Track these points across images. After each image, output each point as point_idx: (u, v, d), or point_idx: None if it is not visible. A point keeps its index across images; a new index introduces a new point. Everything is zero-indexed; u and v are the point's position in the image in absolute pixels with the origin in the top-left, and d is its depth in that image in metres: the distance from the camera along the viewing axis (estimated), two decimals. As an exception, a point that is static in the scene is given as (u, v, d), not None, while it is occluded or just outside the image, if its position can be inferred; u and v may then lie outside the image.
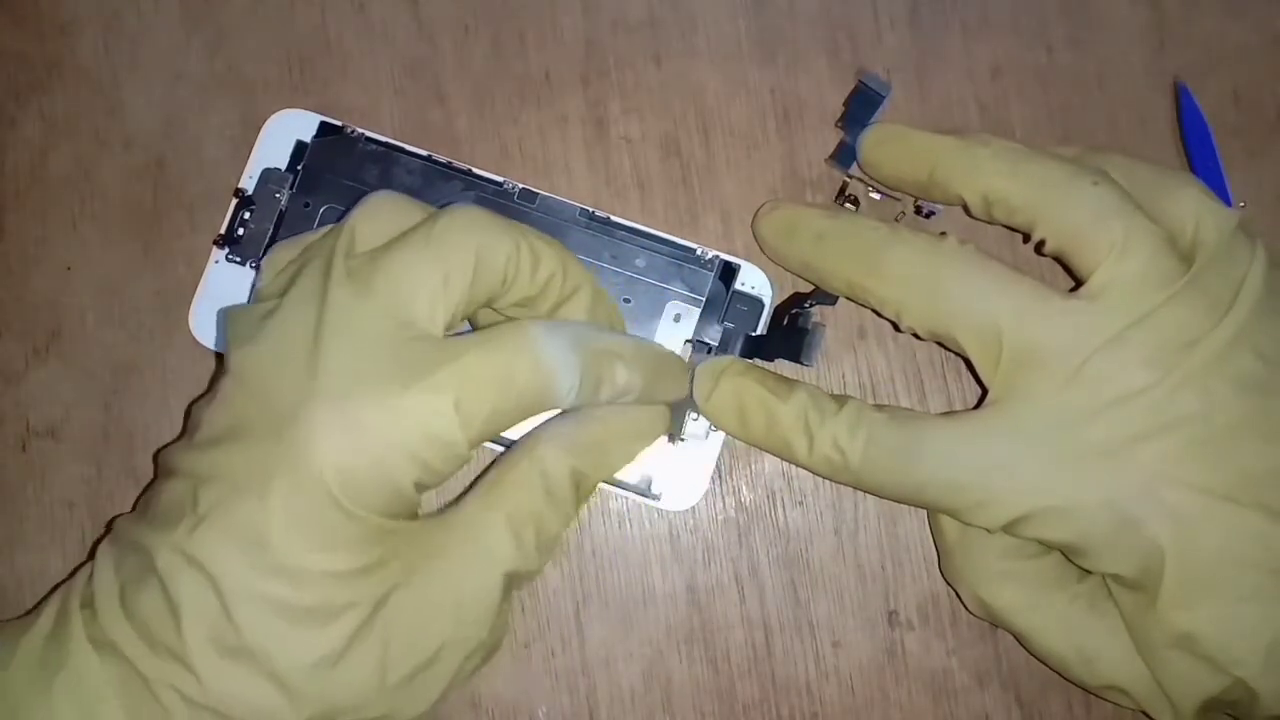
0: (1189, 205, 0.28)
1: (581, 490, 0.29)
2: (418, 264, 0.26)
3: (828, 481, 0.33)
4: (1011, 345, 0.28)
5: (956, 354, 0.30)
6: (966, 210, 0.30)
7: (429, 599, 0.26)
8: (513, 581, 0.28)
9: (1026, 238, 0.30)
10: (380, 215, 0.28)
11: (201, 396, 0.28)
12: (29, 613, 0.27)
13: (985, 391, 0.29)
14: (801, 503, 0.33)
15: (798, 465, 0.30)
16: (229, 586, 0.24)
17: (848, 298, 0.31)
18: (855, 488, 0.30)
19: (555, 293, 0.28)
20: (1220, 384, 0.27)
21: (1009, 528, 0.28)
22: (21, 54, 0.35)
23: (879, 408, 0.29)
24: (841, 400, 0.29)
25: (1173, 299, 0.27)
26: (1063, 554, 0.29)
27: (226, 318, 0.28)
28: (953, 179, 0.30)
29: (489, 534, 0.27)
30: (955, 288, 0.28)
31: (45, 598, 0.27)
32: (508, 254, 0.27)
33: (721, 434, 0.32)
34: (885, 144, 0.31)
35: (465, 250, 0.27)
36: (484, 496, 0.28)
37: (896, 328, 0.30)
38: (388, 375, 0.25)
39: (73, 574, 0.27)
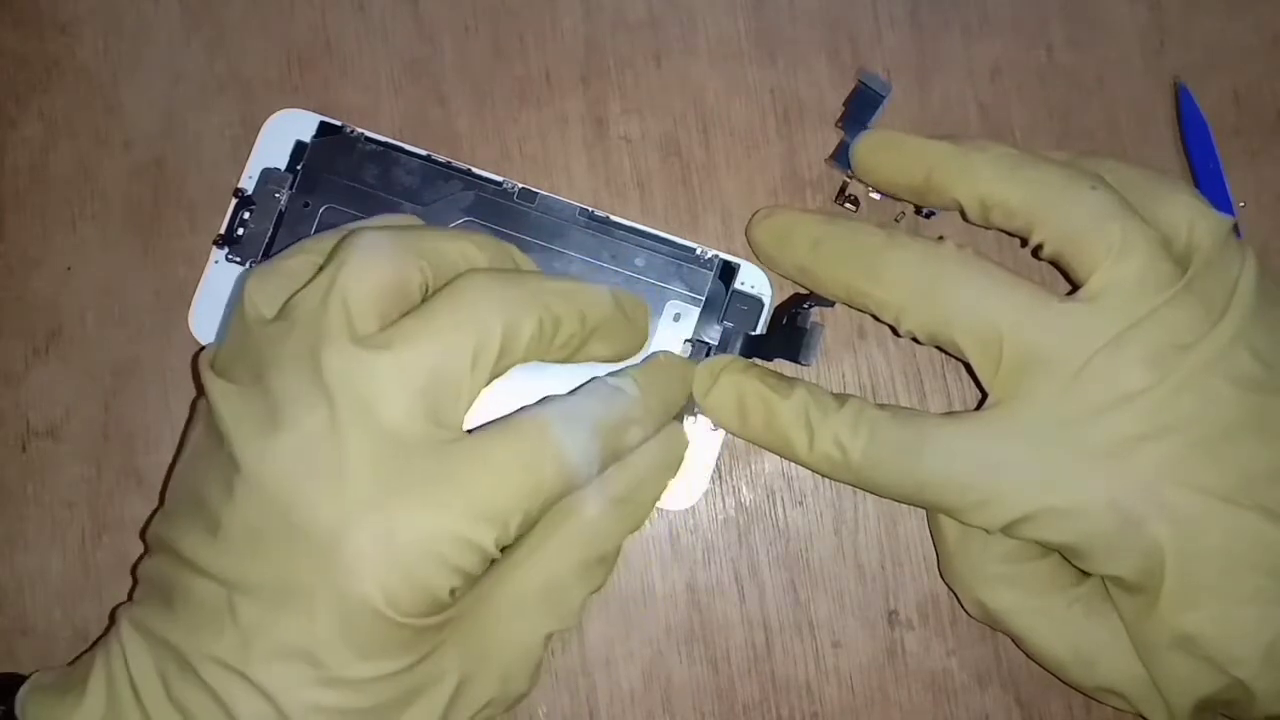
0: (1182, 210, 0.29)
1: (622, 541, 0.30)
2: (440, 354, 0.26)
3: (828, 481, 0.33)
4: (1012, 348, 0.28)
5: (956, 358, 0.30)
6: (963, 215, 0.30)
7: (478, 672, 0.27)
8: (553, 638, 0.29)
9: (1023, 242, 0.30)
10: (369, 271, 0.26)
11: (184, 453, 0.28)
12: (71, 663, 0.28)
13: (984, 394, 0.29)
14: (801, 503, 0.33)
15: (798, 463, 0.30)
16: (287, 702, 0.25)
17: (846, 303, 0.31)
18: (855, 486, 0.30)
19: (576, 343, 0.28)
20: (1219, 384, 0.27)
21: (1009, 529, 0.28)
22: (21, 54, 0.35)
23: (880, 406, 0.29)
24: (842, 398, 0.30)
25: (1170, 301, 0.27)
26: (1062, 556, 0.29)
27: (218, 396, 0.26)
28: (949, 184, 0.30)
29: (533, 609, 0.28)
30: (955, 291, 0.28)
31: (80, 655, 0.28)
32: (532, 332, 0.27)
33: (721, 434, 0.32)
34: (879, 150, 0.31)
35: (489, 333, 0.26)
36: (526, 566, 0.28)
37: (895, 332, 0.30)
38: (418, 483, 0.25)
39: (96, 644, 0.28)
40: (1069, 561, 0.29)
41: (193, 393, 0.33)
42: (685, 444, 0.31)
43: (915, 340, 0.30)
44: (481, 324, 0.26)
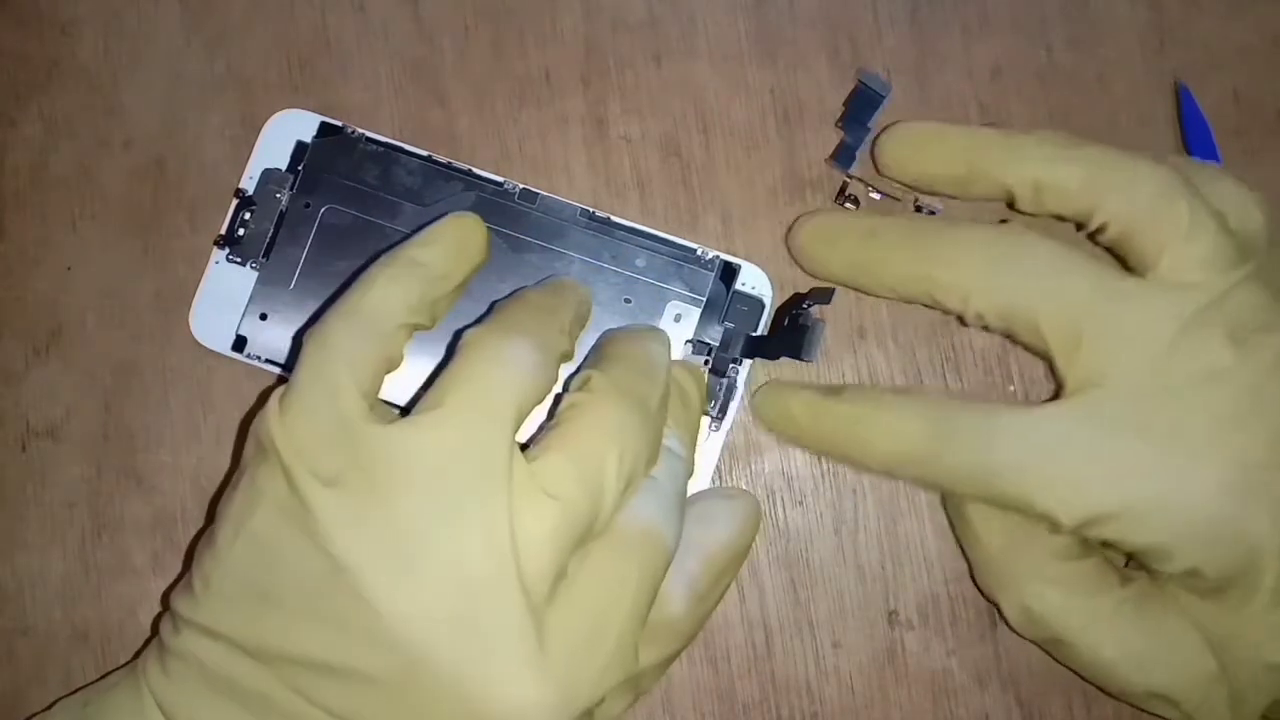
0: (1228, 194, 0.28)
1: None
2: (593, 502, 0.25)
3: (828, 481, 0.33)
4: (1093, 326, 0.27)
5: (1027, 347, 0.29)
6: (1010, 205, 0.29)
7: None
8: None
9: (1078, 226, 0.29)
10: (527, 381, 0.25)
11: (239, 528, 0.25)
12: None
13: (1058, 384, 0.28)
14: (801, 503, 0.33)
15: (864, 468, 0.29)
16: None
17: (900, 297, 0.30)
18: (921, 483, 0.29)
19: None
20: None
21: (1085, 526, 0.26)
22: (21, 54, 0.35)
23: (944, 391, 0.29)
24: (900, 388, 0.29)
25: (1243, 282, 0.26)
26: (1131, 556, 0.28)
27: (327, 512, 0.24)
28: (998, 169, 0.29)
29: (613, 702, 0.26)
30: (1029, 267, 0.27)
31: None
32: (650, 458, 0.27)
33: (722, 434, 0.32)
34: (912, 141, 0.30)
35: (629, 475, 0.25)
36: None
37: (962, 321, 0.29)
38: (571, 639, 0.24)
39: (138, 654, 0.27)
40: (1131, 561, 0.28)
41: (192, 393, 0.33)
42: (758, 525, 0.30)
43: (984, 327, 0.29)
44: (631, 461, 0.25)
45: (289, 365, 0.32)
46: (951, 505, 0.31)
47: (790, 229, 0.32)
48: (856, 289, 0.31)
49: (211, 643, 0.25)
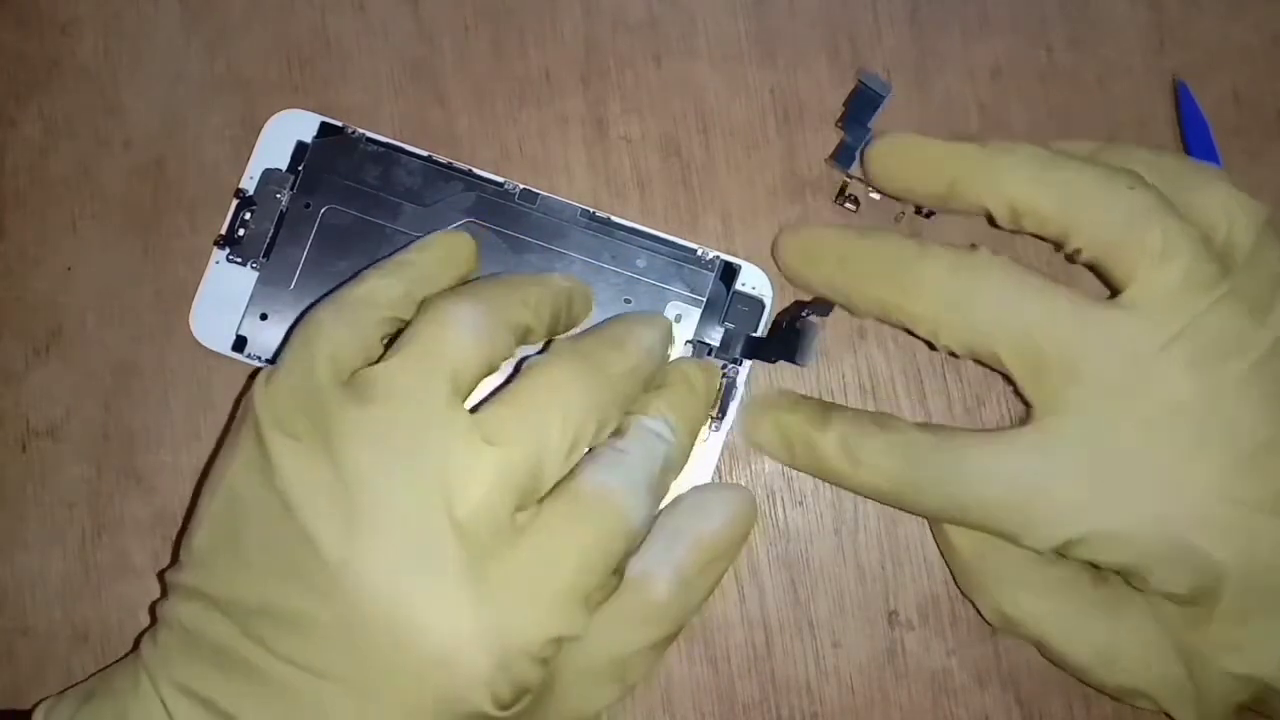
0: (1219, 200, 0.28)
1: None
2: (540, 451, 0.26)
3: (828, 481, 0.33)
4: (1055, 359, 0.27)
5: (998, 372, 0.29)
6: (991, 221, 0.30)
7: None
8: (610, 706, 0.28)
9: (1057, 246, 0.29)
10: (474, 348, 0.27)
11: (220, 488, 0.26)
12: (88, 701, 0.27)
13: (1028, 408, 0.28)
14: (801, 503, 0.33)
15: (853, 492, 0.30)
16: None
17: (879, 319, 0.30)
18: (902, 509, 0.30)
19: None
20: (1267, 392, 0.26)
21: (1061, 549, 0.27)
22: (21, 54, 0.35)
23: (921, 426, 0.29)
24: (882, 420, 0.29)
25: (1214, 305, 0.26)
26: (1112, 572, 0.28)
27: (287, 462, 0.25)
28: (976, 189, 0.29)
29: (598, 685, 0.28)
30: (993, 301, 0.28)
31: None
32: (618, 419, 0.28)
33: (722, 434, 0.32)
34: (897, 154, 0.30)
35: (584, 430, 0.26)
36: (595, 644, 0.27)
37: (931, 346, 0.29)
38: (512, 578, 0.25)
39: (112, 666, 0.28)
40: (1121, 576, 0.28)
41: (192, 393, 0.33)
42: (753, 520, 0.31)
43: (952, 354, 0.29)
44: (578, 420, 0.26)
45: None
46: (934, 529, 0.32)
47: (773, 243, 0.32)
48: (842, 305, 0.31)
49: (190, 604, 0.26)
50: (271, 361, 0.32)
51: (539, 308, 0.29)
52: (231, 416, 0.33)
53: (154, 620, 0.28)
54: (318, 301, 0.32)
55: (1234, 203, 0.28)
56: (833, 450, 0.29)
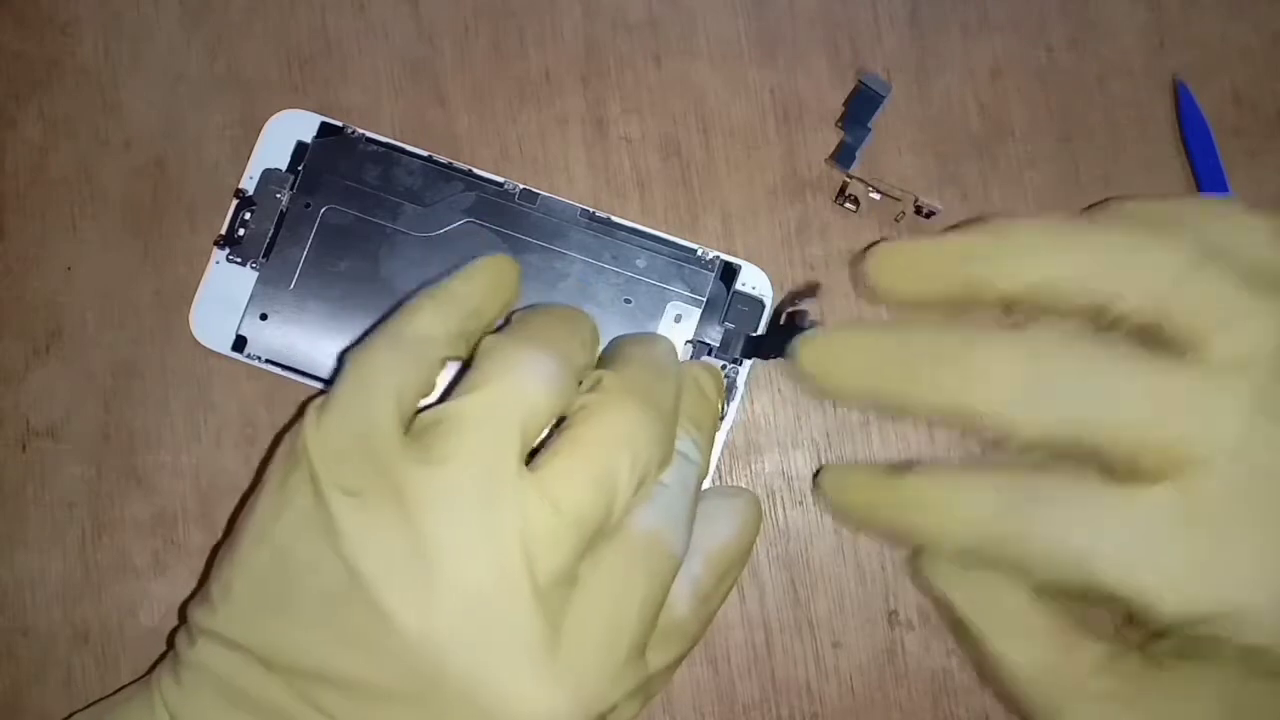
0: (1247, 232, 0.26)
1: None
2: (601, 504, 0.25)
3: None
4: (1157, 440, 0.24)
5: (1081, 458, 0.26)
6: (1007, 310, 0.26)
7: None
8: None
9: (1090, 320, 0.26)
10: (543, 399, 0.25)
11: (264, 534, 0.25)
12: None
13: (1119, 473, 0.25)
14: (801, 503, 0.33)
15: (938, 548, 0.27)
16: None
17: (939, 420, 0.28)
18: (993, 565, 0.26)
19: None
20: None
21: (1185, 622, 0.24)
22: (21, 54, 0.35)
23: (1019, 465, 0.26)
24: (969, 462, 0.28)
25: None
26: (1161, 634, 0.25)
27: (353, 526, 0.24)
28: (995, 280, 0.26)
29: (624, 708, 0.26)
30: (1076, 387, 0.25)
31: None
32: (663, 460, 0.26)
33: (722, 434, 0.32)
34: (896, 267, 0.28)
35: (640, 473, 0.25)
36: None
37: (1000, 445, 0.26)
38: (583, 641, 0.24)
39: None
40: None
41: (192, 393, 0.33)
42: (760, 525, 0.30)
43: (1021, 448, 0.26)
44: (644, 461, 0.25)
45: (289, 366, 0.32)
46: (967, 642, 0.28)
47: (794, 349, 0.28)
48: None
49: (227, 653, 0.25)
50: (275, 364, 0.32)
51: (592, 347, 0.28)
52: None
53: (169, 648, 0.27)
54: (317, 302, 0.32)
55: (1258, 230, 0.26)
56: (911, 496, 0.26)
